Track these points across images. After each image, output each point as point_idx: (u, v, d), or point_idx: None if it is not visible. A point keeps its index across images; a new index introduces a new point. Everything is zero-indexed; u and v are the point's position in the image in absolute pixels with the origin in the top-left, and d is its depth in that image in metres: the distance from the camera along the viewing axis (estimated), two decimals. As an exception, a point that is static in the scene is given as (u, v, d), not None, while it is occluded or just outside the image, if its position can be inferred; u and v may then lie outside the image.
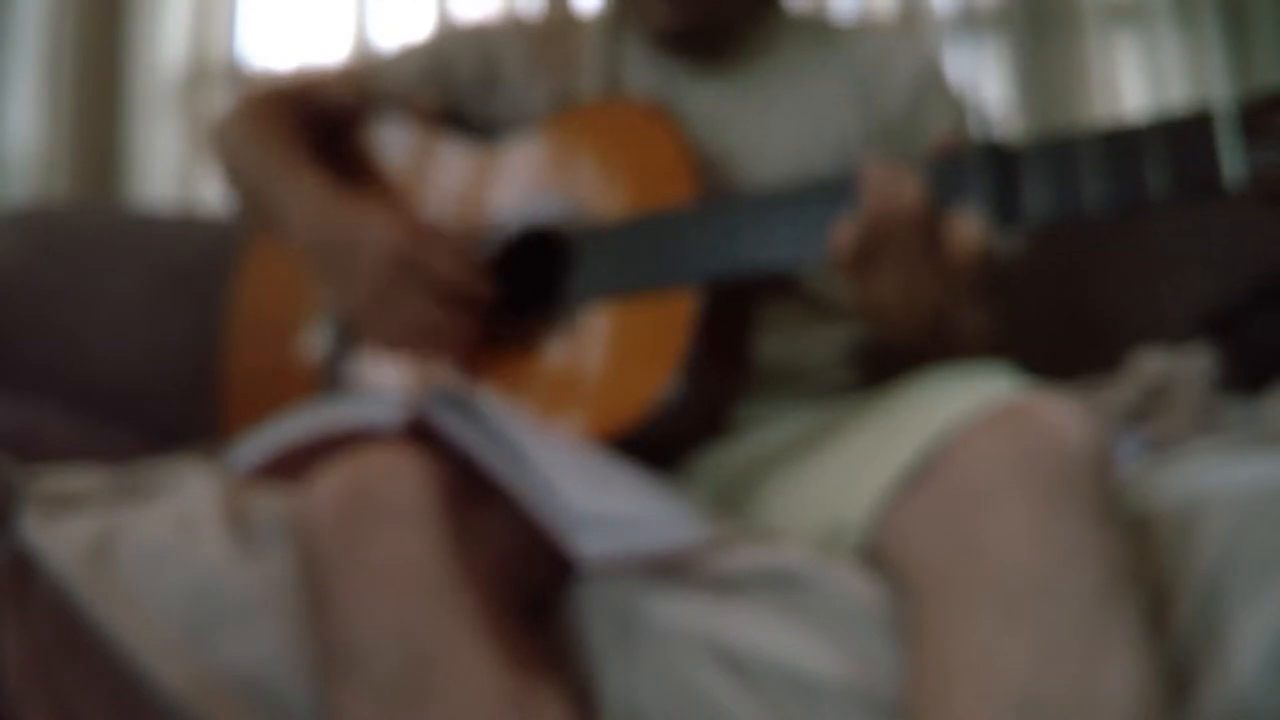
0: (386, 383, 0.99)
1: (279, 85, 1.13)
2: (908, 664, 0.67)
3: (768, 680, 0.69)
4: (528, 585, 0.73)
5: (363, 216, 0.96)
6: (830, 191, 0.82)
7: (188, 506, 0.78)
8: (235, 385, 1.11)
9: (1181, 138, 0.70)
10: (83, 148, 1.84)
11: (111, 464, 0.90)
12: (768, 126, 1.02)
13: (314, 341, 1.05)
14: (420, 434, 0.73)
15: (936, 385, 0.76)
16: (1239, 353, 1.08)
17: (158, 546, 0.75)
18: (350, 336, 1.02)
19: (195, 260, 1.35)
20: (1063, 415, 0.68)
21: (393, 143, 1.11)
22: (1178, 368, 1.06)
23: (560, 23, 1.12)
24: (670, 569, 0.73)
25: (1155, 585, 0.71)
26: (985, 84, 1.87)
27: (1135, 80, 1.89)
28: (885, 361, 0.90)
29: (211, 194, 1.80)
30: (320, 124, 1.11)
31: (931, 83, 1.03)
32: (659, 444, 0.88)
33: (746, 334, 0.95)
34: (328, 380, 1.03)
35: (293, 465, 0.76)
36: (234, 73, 1.90)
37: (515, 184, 1.02)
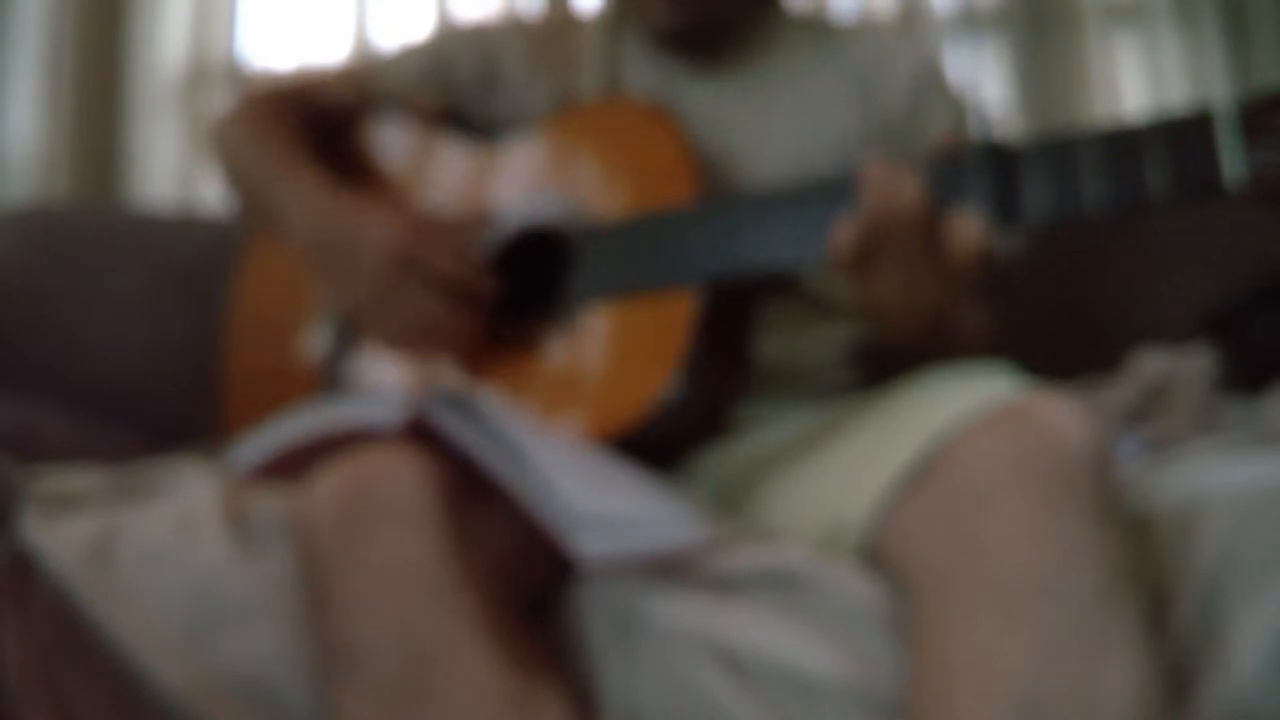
0: (386, 382, 0.99)
1: (279, 85, 1.13)
2: (908, 664, 0.67)
3: (768, 680, 0.69)
4: (528, 585, 0.73)
5: (363, 216, 0.96)
6: (830, 191, 0.82)
7: (188, 506, 0.78)
8: (235, 385, 1.11)
9: (1181, 138, 0.70)
10: (83, 148, 1.84)
11: (111, 464, 0.90)
12: (768, 126, 1.02)
13: (314, 341, 1.05)
14: (420, 434, 0.73)
15: (936, 385, 0.76)
16: (1239, 353, 1.08)
17: (158, 546, 0.75)
18: (350, 336, 1.02)
19: (195, 260, 1.35)
20: (1063, 415, 0.68)
21: (393, 143, 1.11)
22: (1178, 368, 1.06)
23: (560, 23, 1.12)
24: (670, 569, 0.73)
25: (1155, 585, 0.71)
26: (985, 84, 1.87)
27: (1135, 80, 1.89)
28: (885, 361, 0.90)
29: (211, 194, 1.80)
30: (320, 124, 1.11)
31: (931, 83, 1.03)
32: (659, 444, 0.88)
33: (746, 334, 0.95)
34: (328, 380, 1.03)
35: (293, 465, 0.76)
36: (234, 73, 1.90)
37: (515, 184, 1.02)
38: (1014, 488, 0.65)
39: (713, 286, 0.87)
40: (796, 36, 1.07)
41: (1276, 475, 0.74)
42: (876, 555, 0.71)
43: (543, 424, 0.88)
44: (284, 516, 0.74)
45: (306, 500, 0.71)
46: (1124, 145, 0.72)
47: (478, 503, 0.72)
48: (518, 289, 0.98)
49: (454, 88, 1.09)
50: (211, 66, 1.90)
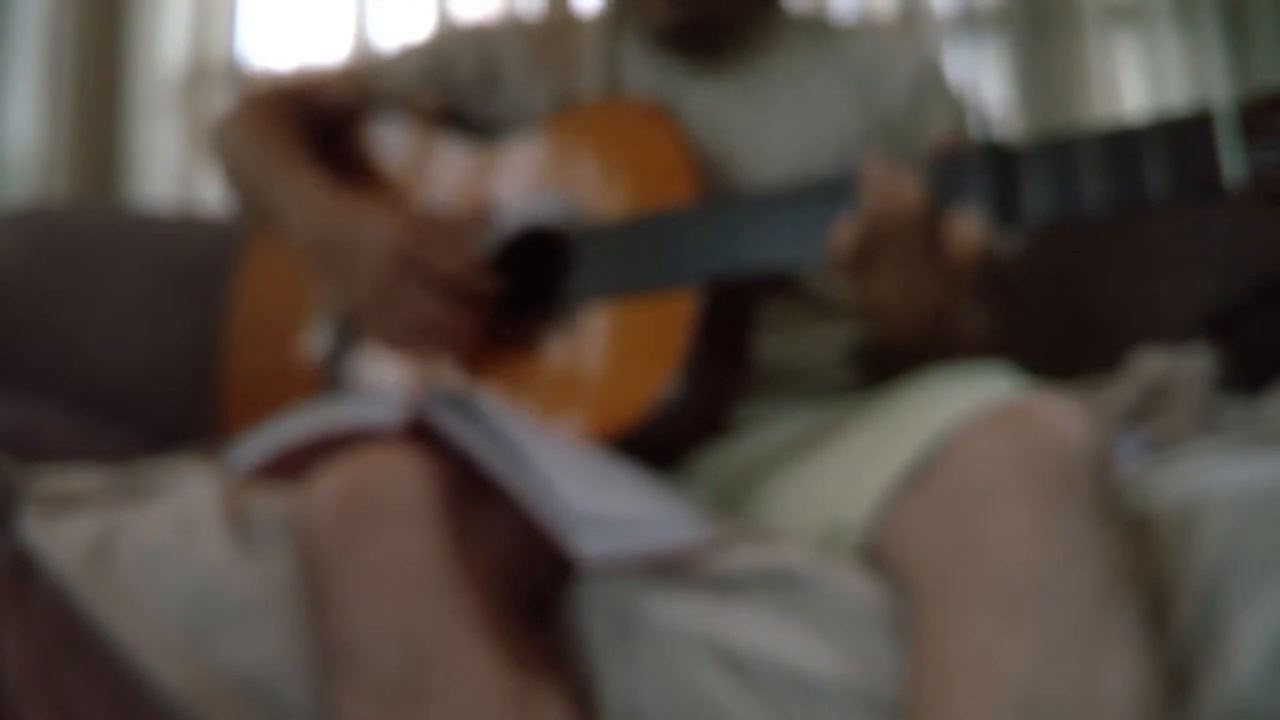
0: (386, 382, 0.99)
1: (279, 85, 1.13)
2: (908, 664, 0.67)
3: (768, 680, 0.69)
4: (528, 585, 0.73)
5: (363, 216, 0.96)
6: (830, 191, 0.82)
7: (188, 506, 0.78)
8: (235, 385, 1.11)
9: (1181, 138, 0.70)
10: (83, 148, 1.84)
11: (111, 464, 0.90)
12: (768, 126, 1.02)
13: (314, 341, 1.05)
14: (420, 434, 0.73)
15: (936, 385, 0.76)
16: (1239, 353, 1.08)
17: (158, 546, 0.75)
18: (350, 336, 1.02)
19: (195, 260, 1.35)
20: (1063, 415, 0.68)
21: (393, 143, 1.11)
22: (1178, 368, 1.06)
23: (560, 23, 1.12)
24: (670, 569, 0.73)
25: (1155, 585, 0.71)
26: (985, 84, 1.87)
27: (1135, 80, 1.89)
28: (885, 361, 0.90)
29: (211, 194, 1.80)
30: (320, 124, 1.11)
31: (931, 83, 1.04)
32: (659, 444, 0.88)
33: (746, 334, 0.95)
34: (328, 380, 1.03)
35: (293, 465, 0.76)
36: (234, 73, 1.90)
37: (515, 184, 1.02)
38: (1014, 488, 0.65)
39: (713, 286, 0.87)
40: (796, 36, 1.07)
41: (1276, 475, 0.74)
42: (876, 555, 0.71)
43: (543, 424, 0.88)
44: (284, 516, 0.74)
45: (306, 500, 0.71)
46: (1124, 145, 0.72)
47: (478, 503, 0.72)
48: (518, 289, 0.98)
49: (454, 88, 1.09)
50: (211, 66, 1.90)
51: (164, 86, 1.88)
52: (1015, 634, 0.62)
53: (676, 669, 0.70)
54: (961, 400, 0.70)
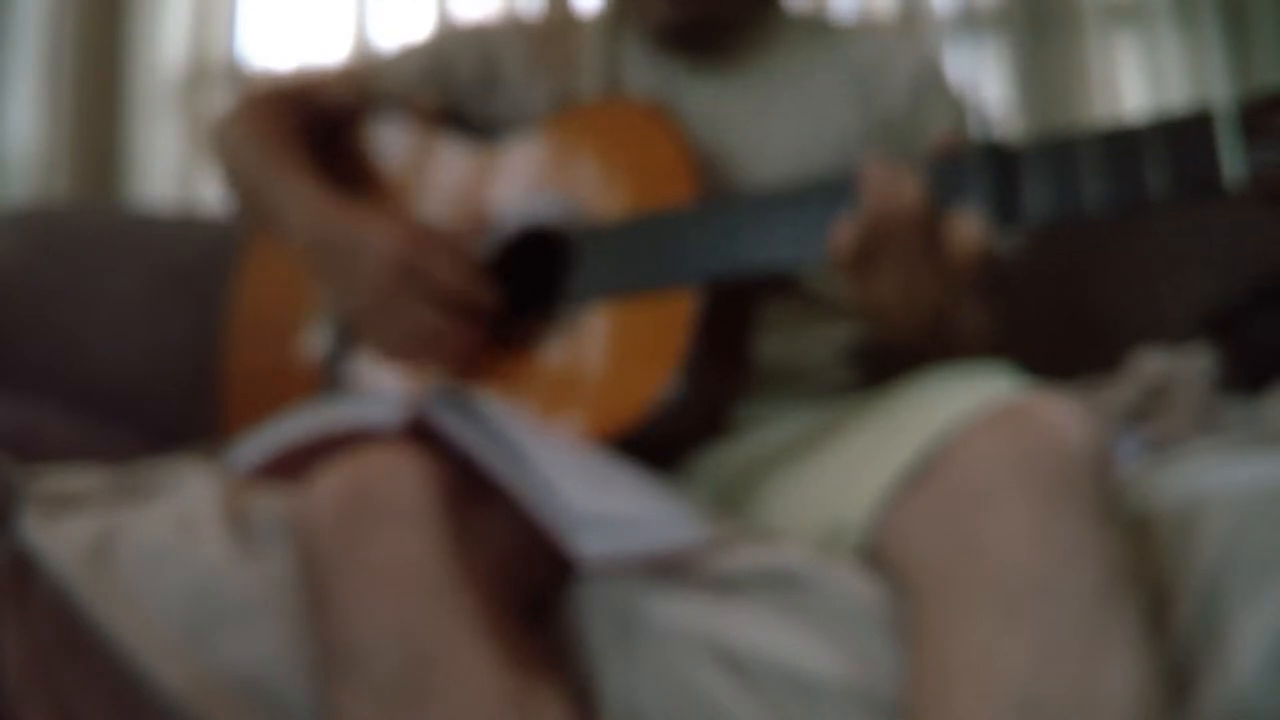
0: (386, 383, 0.99)
1: (279, 85, 1.13)
2: (908, 664, 0.67)
3: (768, 680, 0.69)
4: (528, 585, 0.73)
5: (363, 225, 0.96)
6: (830, 191, 0.82)
7: (188, 506, 0.78)
8: (235, 385, 1.11)
9: (1181, 138, 0.70)
10: (83, 148, 1.84)
11: (111, 464, 0.90)
12: (768, 126, 1.02)
13: (314, 341, 1.05)
14: (420, 434, 0.73)
15: (936, 385, 0.76)
16: (1239, 353, 1.08)
17: (158, 546, 0.75)
18: (350, 337, 1.02)
19: (195, 260, 1.35)
20: (1063, 415, 0.68)
21: (393, 143, 1.11)
22: (1178, 368, 1.06)
23: (560, 23, 1.12)
24: (670, 569, 0.73)
25: (1155, 585, 0.71)
26: (985, 84, 1.87)
27: (1135, 80, 1.89)
28: (885, 361, 0.90)
29: (211, 194, 1.80)
30: (320, 124, 1.11)
31: (931, 83, 1.04)
32: (659, 444, 0.88)
33: (746, 334, 0.95)
34: (328, 380, 1.03)
35: (293, 465, 0.76)
36: (234, 73, 1.90)
37: (515, 184, 1.01)
38: (1014, 488, 0.65)
39: (713, 286, 0.87)
40: (796, 36, 1.07)
41: (1276, 475, 0.74)
42: (876, 555, 0.71)
43: (543, 424, 0.88)
44: (284, 516, 0.74)
45: (306, 500, 0.71)
46: (1124, 145, 0.72)
47: (478, 503, 0.72)
48: (518, 289, 0.98)
49: (454, 88, 1.09)
50: (211, 66, 1.90)
51: (164, 86, 1.88)
52: (1015, 634, 0.62)
53: (676, 669, 0.70)
54: (961, 400, 0.70)
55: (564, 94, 1.06)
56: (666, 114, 0.95)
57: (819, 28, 1.09)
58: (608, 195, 0.96)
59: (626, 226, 0.93)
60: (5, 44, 1.85)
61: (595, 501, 0.69)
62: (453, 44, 1.11)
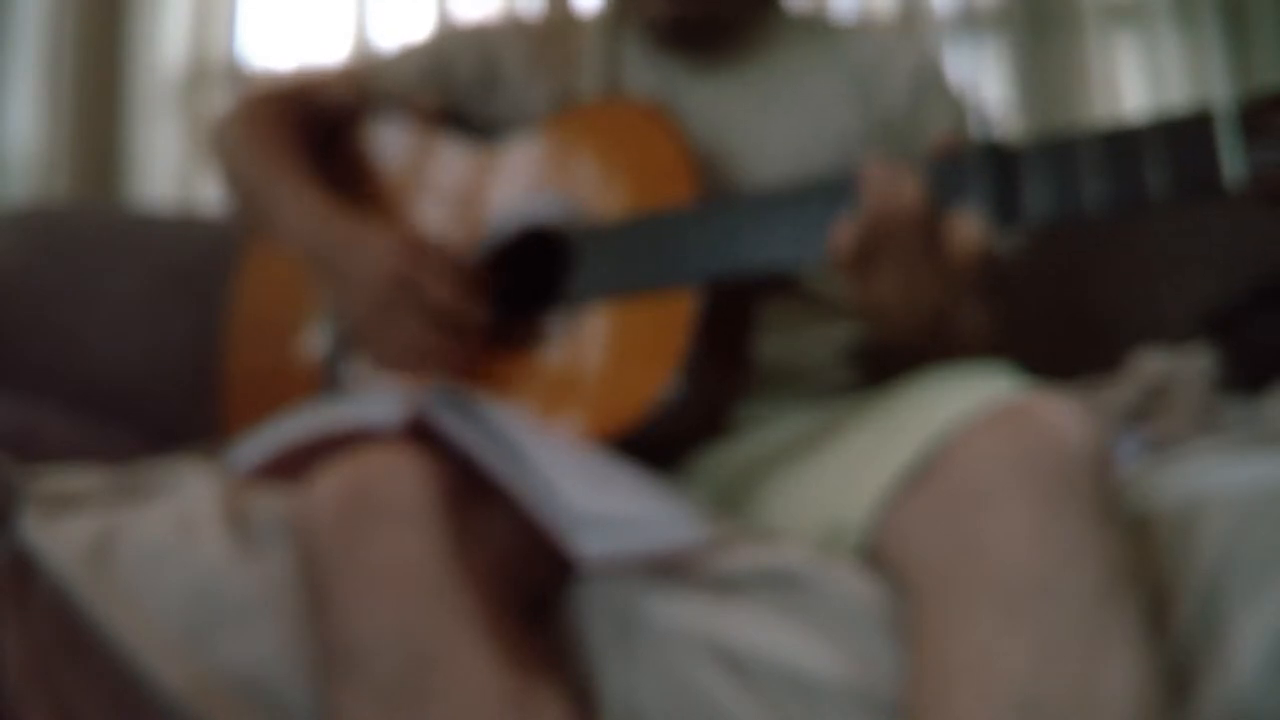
0: (386, 381, 0.98)
1: (279, 85, 1.13)
2: (908, 664, 0.67)
3: (768, 680, 0.69)
4: (528, 585, 0.73)
5: (358, 237, 0.95)
6: (830, 191, 0.82)
7: (188, 506, 0.78)
8: (235, 385, 1.11)
9: (1181, 138, 0.70)
10: (83, 148, 1.84)
11: (111, 464, 0.90)
12: (768, 126, 1.02)
13: (314, 341, 1.05)
14: (420, 434, 0.73)
15: (936, 385, 0.76)
16: (1239, 353, 1.08)
17: (158, 546, 0.75)
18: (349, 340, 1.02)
19: (195, 260, 1.35)
20: (1063, 415, 0.68)
21: (393, 143, 1.11)
22: (1178, 368, 1.06)
23: (560, 23, 1.12)
24: (670, 569, 0.73)
25: (1155, 585, 0.71)
26: (985, 84, 1.87)
27: (1135, 80, 1.89)
28: (885, 361, 0.90)
29: (211, 194, 1.80)
30: (320, 124, 1.11)
31: (931, 82, 1.04)
32: (659, 444, 0.88)
33: (746, 334, 0.95)
34: (328, 380, 1.03)
35: (293, 465, 0.76)
36: (234, 73, 1.90)
37: (515, 184, 1.02)
38: (1014, 488, 0.65)
39: (713, 286, 0.87)
40: (796, 36, 1.07)
41: (1276, 475, 0.74)
42: (876, 555, 0.71)
43: (543, 424, 0.88)
44: (284, 516, 0.74)
45: (306, 500, 0.71)
46: (1124, 145, 0.72)
47: (478, 503, 0.72)
48: (518, 289, 0.98)
49: (454, 88, 1.09)
50: (211, 66, 1.90)
51: (164, 86, 1.88)
52: (1015, 634, 0.62)
53: (676, 669, 0.70)
54: (961, 400, 0.70)
55: (564, 94, 1.06)
56: (666, 114, 0.95)
57: (819, 27, 1.09)
58: (608, 195, 0.96)
59: (626, 226, 0.93)
60: (5, 44, 1.85)
61: (595, 501, 0.69)
62: (453, 44, 1.11)
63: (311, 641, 0.70)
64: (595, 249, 0.94)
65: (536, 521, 0.70)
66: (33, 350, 1.27)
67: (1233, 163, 0.68)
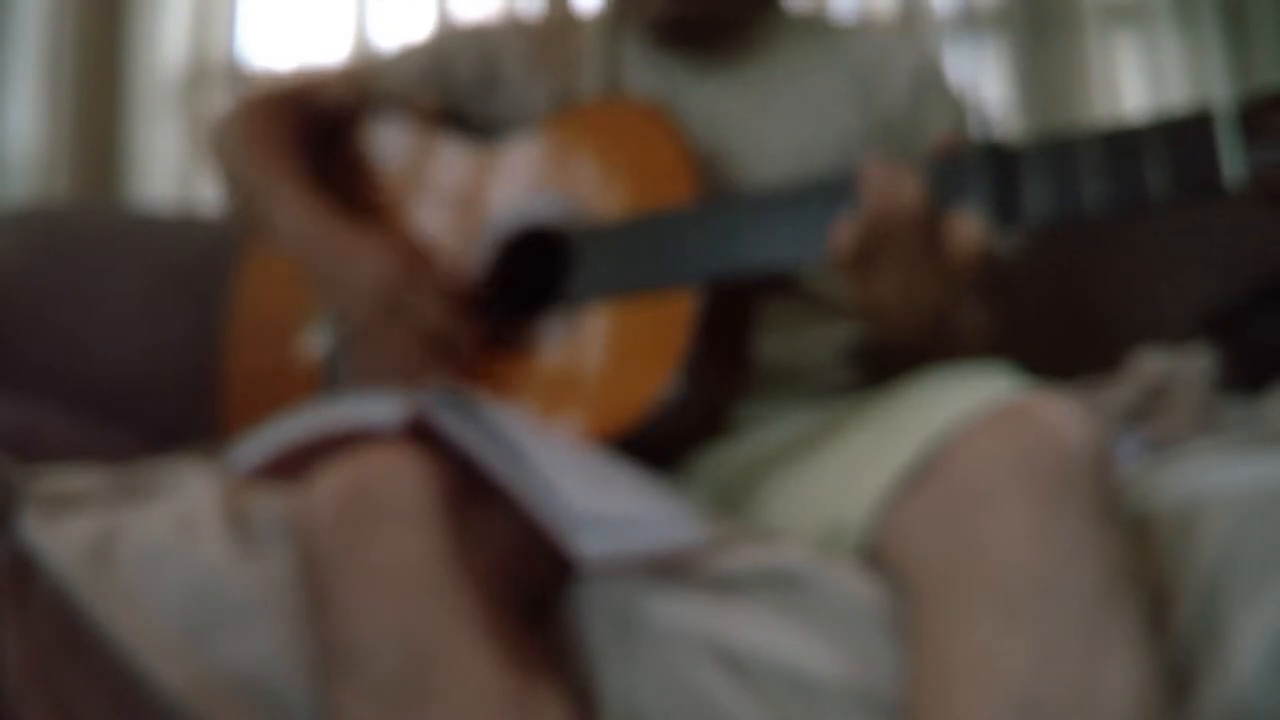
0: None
1: (278, 86, 1.13)
2: (908, 664, 0.67)
3: (768, 680, 0.69)
4: (528, 585, 0.73)
5: (351, 248, 0.95)
6: (830, 191, 0.82)
7: (188, 506, 0.78)
8: (235, 385, 1.11)
9: (1181, 138, 0.70)
10: (83, 148, 1.84)
11: (111, 464, 0.90)
12: (768, 125, 1.02)
13: (314, 341, 1.05)
14: (420, 434, 0.73)
15: (936, 385, 0.76)
16: (1239, 353, 1.08)
17: (158, 546, 0.75)
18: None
19: (195, 260, 1.35)
20: (1063, 415, 0.68)
21: (392, 143, 1.11)
22: (1178, 368, 1.06)
23: (560, 23, 1.12)
24: (670, 569, 0.73)
25: (1155, 585, 0.71)
26: (985, 84, 1.87)
27: (1135, 80, 1.89)
28: (885, 361, 0.90)
29: (211, 194, 1.80)
30: (320, 125, 1.11)
31: (931, 82, 1.04)
32: (659, 444, 0.88)
33: (746, 334, 0.95)
34: (328, 380, 1.03)
35: (293, 465, 0.76)
36: (234, 73, 1.90)
37: (515, 184, 1.02)
38: (1014, 488, 0.65)
39: (713, 286, 0.87)
40: (796, 36, 1.07)
41: (1276, 475, 0.74)
42: (876, 555, 0.71)
43: (543, 424, 0.88)
44: (284, 516, 0.74)
45: (306, 500, 0.71)
46: (1124, 145, 0.72)
47: (478, 503, 0.72)
48: (518, 289, 0.98)
49: (454, 88, 1.09)
50: (211, 66, 1.90)
51: (164, 86, 1.88)
52: (1015, 634, 0.62)
53: (676, 669, 0.70)
54: (961, 400, 0.70)
55: (564, 94, 1.06)
56: (666, 114, 0.95)
57: (819, 27, 1.09)
58: (608, 195, 0.96)
59: (626, 226, 0.93)
60: (5, 44, 1.85)
61: (595, 501, 0.69)
62: (453, 44, 1.11)
63: (311, 641, 0.70)
64: (595, 249, 0.94)
65: (536, 521, 0.70)
66: (33, 350, 1.27)
67: (1233, 163, 0.68)
